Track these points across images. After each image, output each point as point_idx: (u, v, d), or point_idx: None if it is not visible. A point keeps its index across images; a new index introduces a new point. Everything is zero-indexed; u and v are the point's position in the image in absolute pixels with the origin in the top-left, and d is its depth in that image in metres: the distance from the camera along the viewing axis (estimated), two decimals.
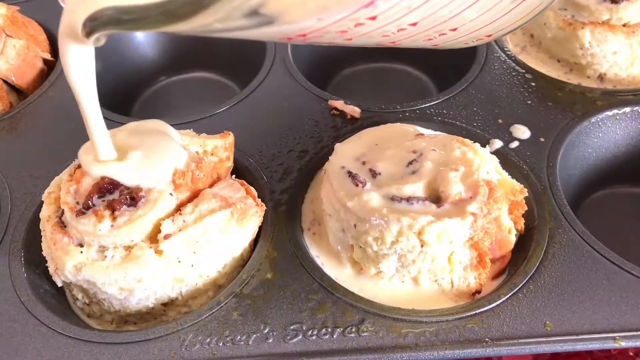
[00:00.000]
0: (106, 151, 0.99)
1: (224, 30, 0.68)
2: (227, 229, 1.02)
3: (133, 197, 0.98)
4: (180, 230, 0.98)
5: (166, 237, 0.97)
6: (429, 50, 1.59)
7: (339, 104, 1.31)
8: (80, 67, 0.88)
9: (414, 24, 0.70)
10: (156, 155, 1.00)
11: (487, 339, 0.93)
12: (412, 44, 0.82)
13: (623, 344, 0.92)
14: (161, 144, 1.02)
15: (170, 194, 1.00)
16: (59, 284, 1.05)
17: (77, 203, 1.00)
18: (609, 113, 1.26)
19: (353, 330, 0.96)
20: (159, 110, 1.64)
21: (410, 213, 0.97)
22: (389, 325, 0.96)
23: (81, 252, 0.98)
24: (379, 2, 0.62)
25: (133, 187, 0.99)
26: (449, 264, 1.00)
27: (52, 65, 1.51)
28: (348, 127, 1.28)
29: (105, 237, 0.97)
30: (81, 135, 1.30)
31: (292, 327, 0.97)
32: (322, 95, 1.36)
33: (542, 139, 1.22)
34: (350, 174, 1.05)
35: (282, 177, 1.19)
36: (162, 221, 0.98)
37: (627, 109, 1.27)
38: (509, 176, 1.07)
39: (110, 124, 1.32)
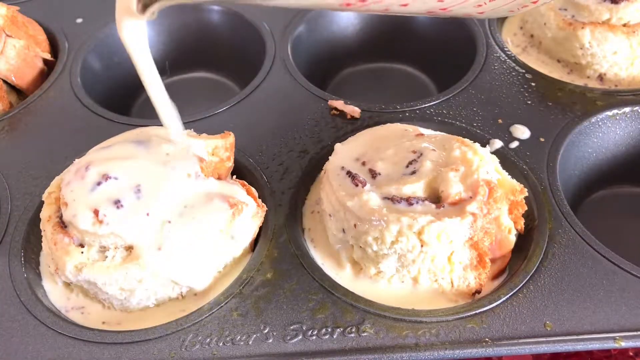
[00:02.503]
0: (176, 128, 1.04)
1: None
2: (228, 230, 1.02)
3: None
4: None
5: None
6: (429, 50, 1.60)
7: (339, 104, 1.31)
8: (139, 41, 0.94)
9: None
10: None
11: (487, 339, 0.93)
12: (461, 10, 0.81)
13: (623, 344, 0.92)
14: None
15: None
16: (59, 284, 1.05)
17: None
18: (609, 113, 1.26)
19: (353, 330, 0.96)
20: None
21: (410, 213, 0.97)
22: (389, 325, 0.96)
23: (82, 252, 0.98)
24: None
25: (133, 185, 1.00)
26: (448, 263, 1.00)
27: (52, 66, 1.51)
28: (348, 127, 1.28)
29: (105, 237, 0.97)
30: (81, 135, 1.31)
31: (292, 327, 0.97)
32: (322, 95, 1.36)
33: (542, 139, 1.22)
34: (350, 174, 1.05)
35: (282, 177, 1.19)
36: None
37: (627, 109, 1.27)
38: (509, 176, 1.07)
39: (111, 124, 1.33)
